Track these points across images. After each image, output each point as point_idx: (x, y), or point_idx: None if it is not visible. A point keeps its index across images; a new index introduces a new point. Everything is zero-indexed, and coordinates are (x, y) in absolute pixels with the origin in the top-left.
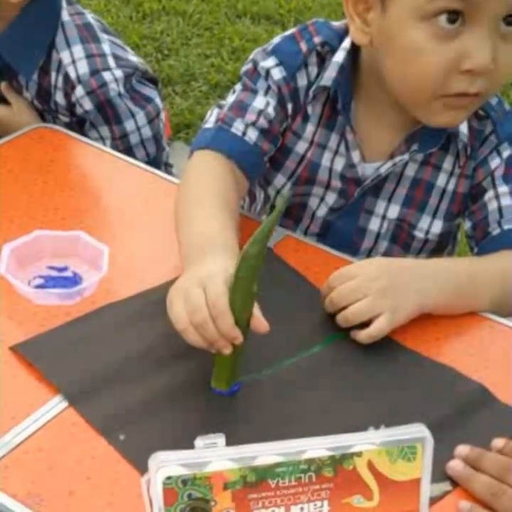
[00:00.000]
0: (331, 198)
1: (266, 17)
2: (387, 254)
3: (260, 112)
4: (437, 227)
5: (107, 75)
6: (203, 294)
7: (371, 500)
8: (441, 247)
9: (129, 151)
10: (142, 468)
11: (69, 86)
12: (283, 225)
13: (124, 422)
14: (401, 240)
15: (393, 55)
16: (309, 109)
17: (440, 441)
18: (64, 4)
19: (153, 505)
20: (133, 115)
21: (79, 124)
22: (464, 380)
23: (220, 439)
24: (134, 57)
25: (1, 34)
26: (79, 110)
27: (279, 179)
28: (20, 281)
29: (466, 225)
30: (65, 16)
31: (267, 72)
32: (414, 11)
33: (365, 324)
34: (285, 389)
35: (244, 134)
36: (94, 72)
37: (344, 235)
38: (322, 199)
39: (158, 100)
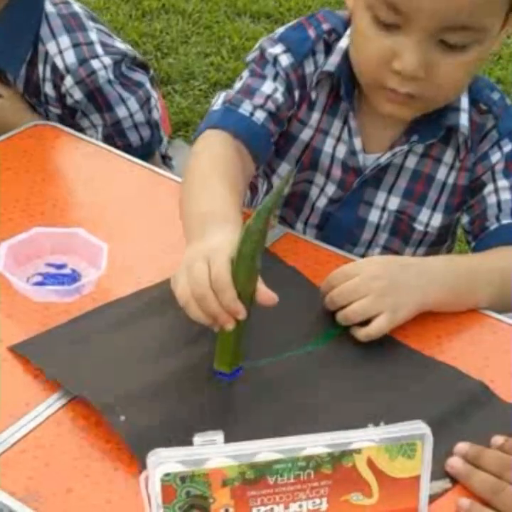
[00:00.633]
0: (331, 188)
1: (265, 15)
2: (386, 246)
3: (268, 97)
4: (437, 220)
5: (95, 63)
6: (206, 267)
7: (370, 498)
8: (440, 240)
9: (122, 136)
10: (139, 453)
11: (57, 77)
12: (283, 216)
13: (125, 404)
14: (400, 232)
15: (351, 37)
16: (313, 95)
17: (440, 438)
18: None
19: (152, 502)
20: (124, 101)
21: (71, 115)
22: (464, 377)
23: (218, 436)
24: (121, 45)
25: None
26: (69, 100)
27: (284, 167)
28: (19, 278)
29: (464, 219)
30: (49, 6)
31: (275, 58)
32: None
33: (365, 321)
34: (284, 385)
35: (252, 114)
36: (83, 61)
37: (344, 226)
38: (322, 190)
39: (148, 85)
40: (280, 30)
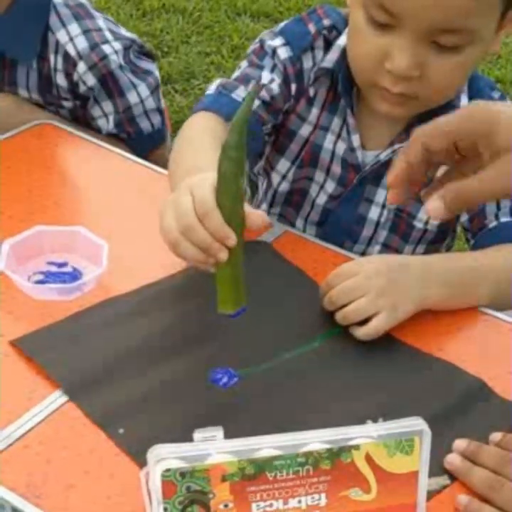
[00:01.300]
0: (331, 185)
1: (265, 15)
2: (386, 243)
3: (263, 86)
4: None
5: (106, 48)
6: (190, 197)
7: (369, 493)
8: (440, 238)
9: (133, 123)
10: (141, 461)
11: (70, 64)
12: (283, 214)
13: (124, 415)
14: (400, 230)
15: (347, 34)
16: (311, 91)
17: (439, 435)
18: None
19: (152, 498)
20: (135, 87)
21: (82, 106)
22: (463, 374)
23: (218, 432)
24: (128, 33)
25: None
26: (82, 88)
27: (283, 163)
28: (20, 276)
29: (463, 217)
30: None
31: (274, 50)
32: None
33: (364, 320)
34: (283, 383)
35: (244, 100)
36: (94, 45)
37: (344, 223)
38: (322, 187)
39: (157, 73)
40: (282, 24)
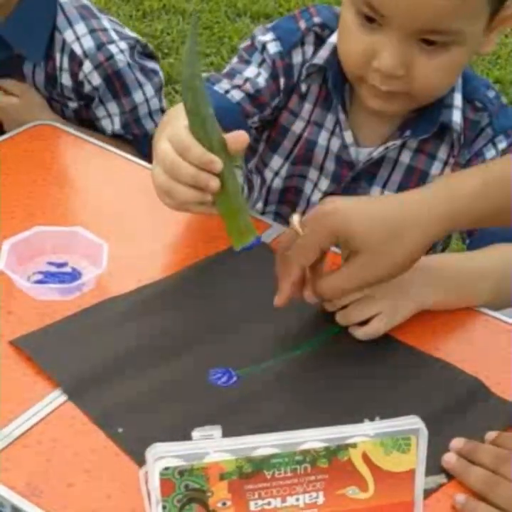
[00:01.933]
0: (324, 183)
1: (265, 16)
2: None
3: (248, 79)
4: None
5: (112, 47)
6: (168, 143)
7: (366, 492)
8: None
9: (139, 124)
10: (140, 460)
11: (75, 63)
12: (279, 212)
13: (123, 414)
14: None
15: (338, 30)
16: (303, 87)
17: (436, 434)
18: None
19: (151, 496)
20: (141, 86)
21: (87, 107)
22: (460, 374)
23: (216, 430)
24: (132, 33)
25: (4, 24)
26: (87, 88)
27: (276, 160)
28: (20, 277)
29: None
30: None
31: (264, 45)
32: None
33: (364, 320)
34: (282, 382)
35: (227, 92)
36: (100, 45)
37: None
38: (316, 184)
39: (161, 74)
40: (275, 21)
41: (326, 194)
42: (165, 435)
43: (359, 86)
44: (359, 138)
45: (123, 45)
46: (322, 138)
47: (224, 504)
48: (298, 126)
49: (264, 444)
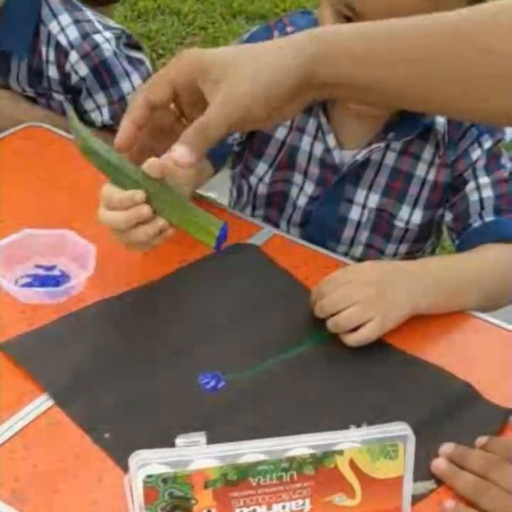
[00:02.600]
0: (310, 187)
1: (261, 16)
2: (368, 243)
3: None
4: (417, 216)
5: (98, 37)
6: (103, 207)
7: (353, 499)
8: (422, 236)
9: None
10: (126, 466)
11: (61, 55)
12: (267, 216)
13: (109, 420)
14: (381, 229)
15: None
16: None
17: (425, 439)
18: None
19: (134, 503)
20: (128, 75)
21: (74, 99)
22: (450, 378)
23: (201, 437)
24: (116, 24)
25: None
26: (74, 79)
27: (261, 167)
28: (8, 280)
29: (447, 216)
30: None
31: None
32: None
33: (355, 327)
34: (271, 387)
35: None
36: (85, 35)
37: (326, 223)
38: (301, 188)
39: (148, 63)
40: (252, 30)
41: (312, 198)
42: (152, 441)
43: None
44: (342, 141)
45: (108, 34)
46: (304, 143)
47: (209, 511)
48: (281, 133)
49: (249, 450)
